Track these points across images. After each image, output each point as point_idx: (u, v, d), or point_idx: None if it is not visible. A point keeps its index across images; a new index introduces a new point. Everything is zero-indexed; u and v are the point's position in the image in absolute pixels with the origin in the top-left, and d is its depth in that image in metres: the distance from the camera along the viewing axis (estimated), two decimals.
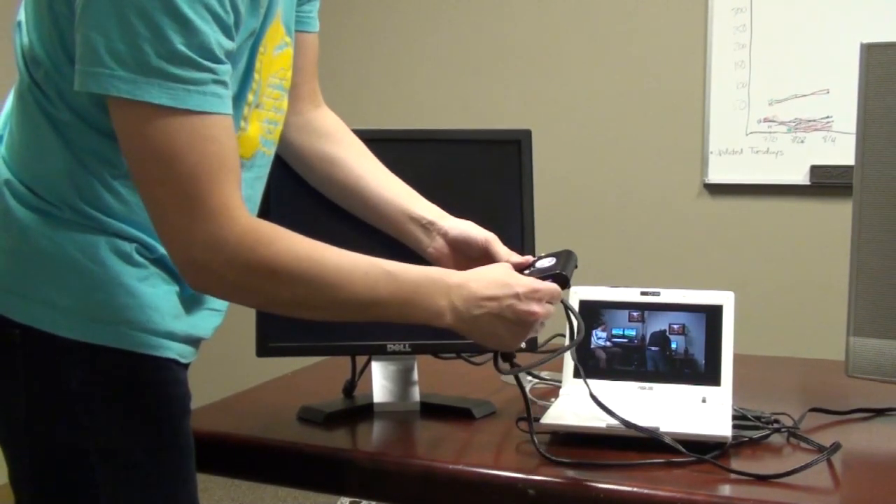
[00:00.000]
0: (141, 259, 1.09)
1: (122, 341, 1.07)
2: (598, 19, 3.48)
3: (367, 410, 1.45)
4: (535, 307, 1.16)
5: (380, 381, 1.47)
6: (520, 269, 1.25)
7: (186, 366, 1.16)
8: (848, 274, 1.45)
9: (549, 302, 1.19)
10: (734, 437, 1.26)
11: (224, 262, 1.00)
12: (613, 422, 1.24)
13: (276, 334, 1.43)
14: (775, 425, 1.33)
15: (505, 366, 1.25)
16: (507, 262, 1.26)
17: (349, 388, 1.51)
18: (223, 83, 1.00)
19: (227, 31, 1.00)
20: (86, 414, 1.06)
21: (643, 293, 1.43)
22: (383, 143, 1.43)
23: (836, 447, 1.24)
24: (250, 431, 1.36)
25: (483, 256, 1.30)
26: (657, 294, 1.43)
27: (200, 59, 0.97)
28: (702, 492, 1.12)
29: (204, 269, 1.01)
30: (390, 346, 1.45)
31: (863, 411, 1.45)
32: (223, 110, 1.00)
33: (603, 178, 3.55)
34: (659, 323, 1.41)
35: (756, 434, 1.30)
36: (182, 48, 0.95)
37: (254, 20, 1.08)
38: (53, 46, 1.03)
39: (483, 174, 1.47)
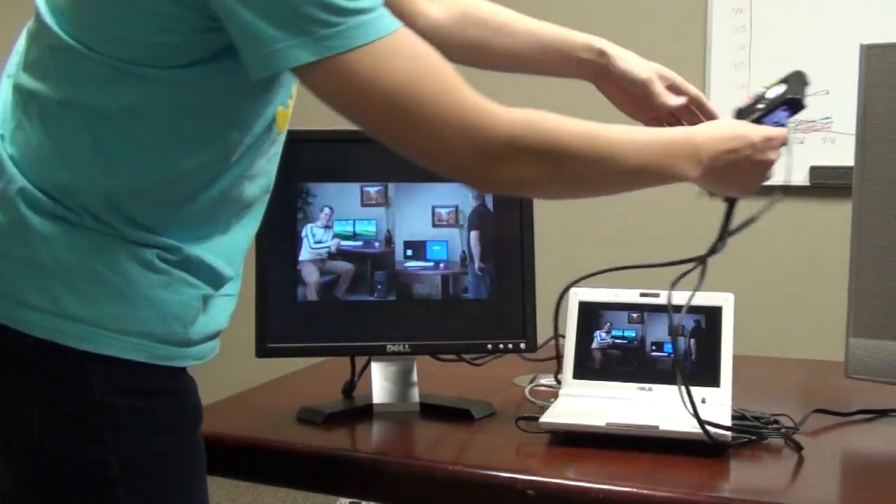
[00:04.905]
0: (163, 265, 1.06)
1: (144, 353, 1.04)
2: (598, 19, 3.48)
3: (367, 411, 1.45)
4: (771, 154, 1.21)
5: (379, 382, 1.47)
6: (752, 103, 1.28)
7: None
8: (848, 274, 1.45)
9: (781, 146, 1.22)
10: (733, 438, 1.26)
11: (508, 154, 1.02)
12: (613, 420, 1.24)
13: (275, 335, 1.43)
14: (774, 426, 1.33)
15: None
16: (701, 102, 1.36)
17: (349, 389, 1.51)
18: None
19: None
20: (108, 427, 1.02)
21: (643, 294, 1.43)
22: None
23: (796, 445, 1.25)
24: (250, 432, 1.35)
25: (645, 95, 1.36)
26: (657, 296, 1.43)
27: None
28: (702, 492, 1.12)
29: (493, 168, 1.02)
30: (390, 347, 1.45)
31: (866, 412, 1.45)
32: (400, 23, 0.99)
33: None
34: (658, 324, 1.41)
35: (755, 436, 1.30)
36: None
37: None
38: (146, 33, 0.98)
39: None
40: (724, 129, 1.20)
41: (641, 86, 1.36)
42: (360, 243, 1.45)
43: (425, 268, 1.46)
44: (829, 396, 1.51)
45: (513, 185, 1.07)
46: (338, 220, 1.45)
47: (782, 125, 1.25)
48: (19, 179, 1.03)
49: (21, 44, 1.11)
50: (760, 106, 1.27)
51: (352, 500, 2.68)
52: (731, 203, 1.27)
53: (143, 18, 0.98)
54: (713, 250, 1.28)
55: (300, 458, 1.30)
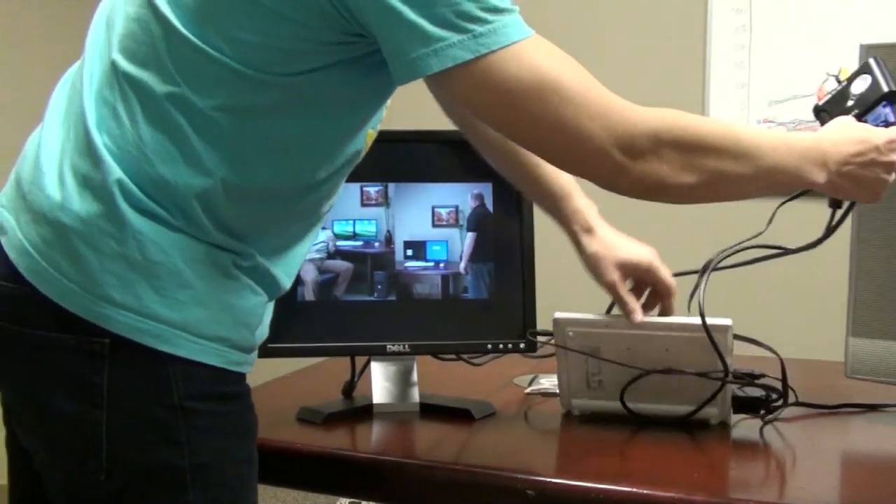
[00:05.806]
0: (235, 271, 1.06)
1: (219, 358, 1.04)
2: (597, 19, 3.48)
3: (367, 411, 1.45)
4: (894, 156, 1.17)
5: (379, 382, 1.47)
6: (835, 99, 1.23)
7: None
8: (848, 274, 1.45)
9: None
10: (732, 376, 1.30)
11: (651, 148, 1.03)
12: (617, 313, 1.28)
13: (275, 335, 1.43)
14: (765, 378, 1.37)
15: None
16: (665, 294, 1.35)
17: (348, 389, 1.51)
18: None
19: None
20: (185, 430, 1.01)
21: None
22: (383, 144, 1.42)
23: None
24: None
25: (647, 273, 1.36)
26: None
27: None
28: (701, 492, 1.12)
29: (637, 163, 1.03)
30: (390, 347, 1.45)
31: (850, 406, 1.45)
32: None
33: None
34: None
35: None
36: None
37: None
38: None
39: (483, 174, 1.47)
40: (848, 134, 1.18)
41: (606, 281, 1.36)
42: (360, 243, 1.45)
43: (425, 268, 1.46)
44: (827, 396, 1.51)
45: (653, 180, 1.07)
46: (337, 220, 1.45)
47: (892, 123, 1.20)
48: (116, 171, 1.00)
49: (101, 23, 1.08)
50: (850, 103, 1.22)
51: (352, 500, 2.68)
52: (835, 206, 1.28)
53: (276, 23, 0.97)
54: (809, 246, 1.37)
55: (300, 458, 1.30)
